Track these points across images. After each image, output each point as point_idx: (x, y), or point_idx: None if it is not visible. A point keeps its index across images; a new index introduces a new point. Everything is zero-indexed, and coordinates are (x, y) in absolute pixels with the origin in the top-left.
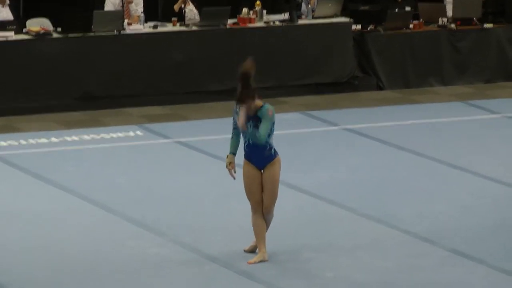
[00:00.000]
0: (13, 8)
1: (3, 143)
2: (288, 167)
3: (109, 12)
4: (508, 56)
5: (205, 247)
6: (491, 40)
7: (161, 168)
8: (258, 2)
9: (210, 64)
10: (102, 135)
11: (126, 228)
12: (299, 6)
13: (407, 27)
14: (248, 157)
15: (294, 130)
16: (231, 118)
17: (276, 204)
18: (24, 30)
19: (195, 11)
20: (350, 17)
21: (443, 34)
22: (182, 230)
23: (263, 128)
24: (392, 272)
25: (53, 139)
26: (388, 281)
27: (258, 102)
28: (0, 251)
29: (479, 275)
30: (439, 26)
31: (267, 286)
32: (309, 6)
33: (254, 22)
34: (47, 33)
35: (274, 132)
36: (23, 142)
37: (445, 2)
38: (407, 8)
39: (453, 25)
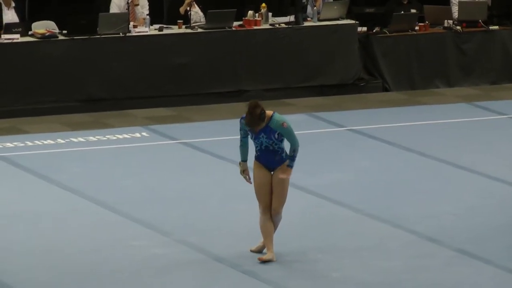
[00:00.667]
0: (19, 10)
1: (9, 144)
2: (295, 168)
3: (115, 15)
4: None
5: (210, 247)
6: (496, 42)
7: (166, 169)
8: (263, 5)
9: (215, 66)
10: (108, 136)
11: (131, 229)
12: (304, 9)
13: (413, 29)
14: (258, 159)
15: (300, 131)
16: (235, 120)
17: None
18: (30, 32)
19: (201, 14)
20: (356, 19)
21: (448, 36)
22: (187, 231)
23: (292, 139)
24: (398, 272)
25: (59, 140)
26: (393, 281)
27: (268, 112)
28: (4, 251)
29: (486, 275)
30: (444, 28)
31: (274, 286)
32: (315, 8)
33: (259, 25)
34: (52, 36)
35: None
36: (29, 143)
37: (451, 4)
38: (413, 10)
39: (458, 27)
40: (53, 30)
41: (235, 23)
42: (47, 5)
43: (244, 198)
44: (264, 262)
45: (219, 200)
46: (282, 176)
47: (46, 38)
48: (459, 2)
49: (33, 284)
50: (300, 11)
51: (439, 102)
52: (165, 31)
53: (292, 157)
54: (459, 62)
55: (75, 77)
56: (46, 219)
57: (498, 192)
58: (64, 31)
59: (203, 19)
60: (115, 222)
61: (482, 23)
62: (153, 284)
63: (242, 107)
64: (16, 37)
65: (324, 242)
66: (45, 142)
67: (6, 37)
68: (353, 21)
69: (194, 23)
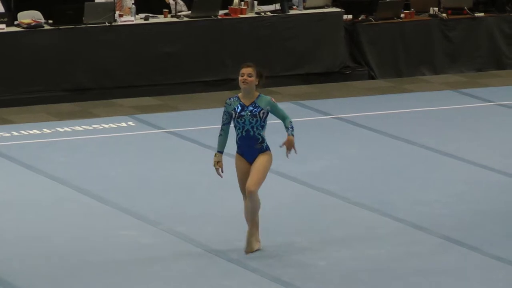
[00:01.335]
0: (4, 0)
1: None
2: (281, 157)
3: (100, 4)
4: (499, 45)
5: (198, 236)
6: (482, 29)
7: (153, 158)
8: None
9: (201, 54)
10: (94, 126)
11: (118, 218)
12: None
13: (398, 17)
14: (240, 150)
15: None
16: (222, 109)
17: (269, 193)
18: (16, 22)
19: (181, 3)
20: (341, 7)
21: (434, 23)
22: (175, 219)
23: (282, 112)
24: (386, 260)
25: (45, 130)
26: (381, 268)
27: (255, 92)
28: None
29: (473, 262)
30: (430, 15)
31: (260, 274)
32: None
33: (245, 13)
34: (38, 25)
35: (267, 122)
36: (15, 133)
37: None
38: None
39: (444, 15)
40: (39, 20)
41: (221, 12)
42: None
43: (232, 186)
44: (251, 252)
45: (206, 189)
46: (286, 143)
47: (32, 28)
48: None
49: (20, 273)
50: None
51: (425, 90)
52: (151, 20)
53: (291, 127)
54: (445, 49)
55: (61, 66)
56: (33, 208)
57: (484, 179)
58: (50, 21)
59: (184, 8)
60: (102, 211)
61: (467, 10)
62: (141, 273)
63: (228, 96)
64: (2, 27)
65: (311, 230)
66: (31, 132)
67: None
68: (338, 9)
69: (178, 12)
